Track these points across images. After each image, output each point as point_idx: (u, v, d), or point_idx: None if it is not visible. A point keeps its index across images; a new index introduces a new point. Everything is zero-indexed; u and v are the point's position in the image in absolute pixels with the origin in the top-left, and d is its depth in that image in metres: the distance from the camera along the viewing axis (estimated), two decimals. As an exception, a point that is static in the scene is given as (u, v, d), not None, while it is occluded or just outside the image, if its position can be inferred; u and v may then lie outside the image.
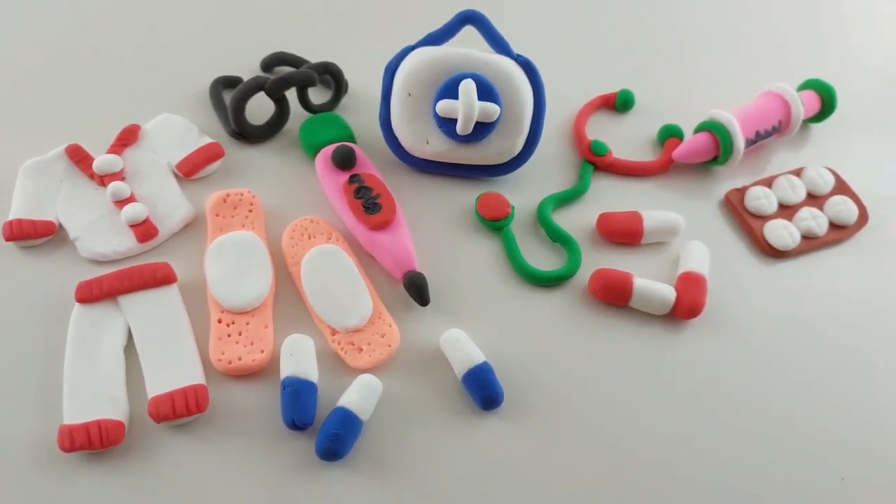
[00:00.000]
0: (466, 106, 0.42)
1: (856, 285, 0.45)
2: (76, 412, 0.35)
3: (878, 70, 0.60)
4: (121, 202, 0.43)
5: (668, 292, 0.42)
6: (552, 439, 0.37)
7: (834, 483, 0.37)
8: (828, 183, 0.49)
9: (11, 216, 0.42)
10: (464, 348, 0.39)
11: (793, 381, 0.41)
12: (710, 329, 0.42)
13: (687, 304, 0.41)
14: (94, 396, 0.36)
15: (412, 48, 0.45)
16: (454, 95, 0.43)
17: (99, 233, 0.42)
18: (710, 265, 0.44)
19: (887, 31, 0.64)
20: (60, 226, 0.43)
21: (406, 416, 0.38)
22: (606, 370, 0.40)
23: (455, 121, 0.44)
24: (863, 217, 0.48)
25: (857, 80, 0.57)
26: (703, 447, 0.38)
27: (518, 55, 0.45)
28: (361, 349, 0.39)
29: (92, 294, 0.39)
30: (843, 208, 0.48)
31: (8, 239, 0.42)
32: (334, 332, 0.40)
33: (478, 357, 0.38)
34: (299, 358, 0.37)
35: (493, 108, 0.43)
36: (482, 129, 0.44)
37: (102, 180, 0.44)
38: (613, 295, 0.42)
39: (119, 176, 0.45)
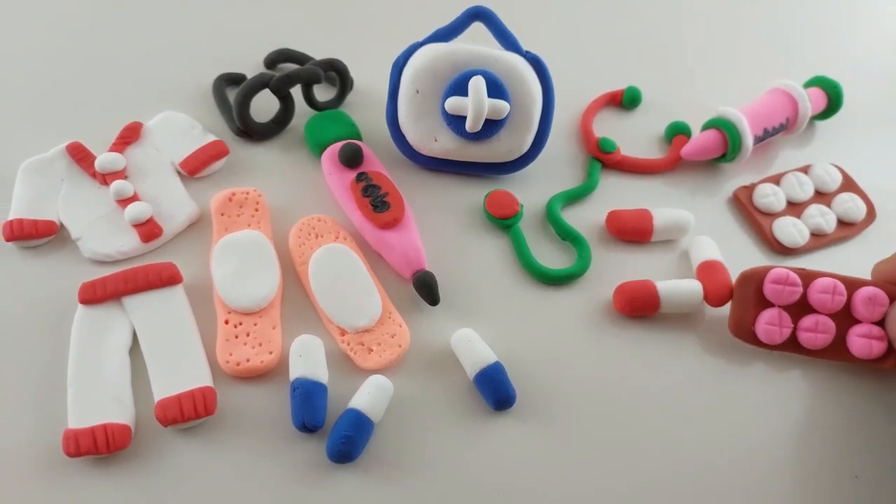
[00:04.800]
0: (476, 103, 0.42)
1: (865, 282, 0.45)
2: (81, 416, 0.35)
3: (884, 67, 0.60)
4: (124, 201, 0.42)
5: (695, 286, 0.41)
6: (566, 440, 0.37)
7: None
8: (835, 180, 0.49)
9: (11, 216, 0.42)
10: (475, 348, 0.38)
11: (799, 374, 0.40)
12: (721, 326, 0.42)
13: (716, 291, 0.40)
14: (100, 400, 0.35)
15: (420, 44, 0.45)
16: (463, 92, 0.43)
17: (102, 233, 0.42)
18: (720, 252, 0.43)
19: (893, 27, 0.64)
20: (62, 225, 0.42)
21: (417, 418, 0.37)
22: (620, 369, 0.40)
23: (464, 118, 0.43)
24: (871, 214, 0.48)
25: (862, 77, 0.57)
26: (722, 447, 0.37)
27: (527, 52, 0.45)
28: (371, 350, 0.39)
29: (96, 295, 0.38)
30: (851, 205, 0.48)
31: (8, 239, 0.41)
32: (343, 333, 0.39)
33: (490, 357, 0.38)
34: (309, 359, 0.37)
35: (503, 106, 0.43)
36: (491, 127, 0.44)
37: (104, 179, 0.43)
38: (642, 307, 0.40)
39: (121, 174, 0.44)
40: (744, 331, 0.39)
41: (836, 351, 0.39)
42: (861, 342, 0.38)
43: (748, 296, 0.39)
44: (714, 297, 0.41)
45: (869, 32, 0.63)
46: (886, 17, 0.65)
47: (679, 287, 0.41)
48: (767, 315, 0.39)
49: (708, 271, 0.42)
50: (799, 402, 0.39)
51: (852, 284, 0.39)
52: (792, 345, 0.39)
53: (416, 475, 0.35)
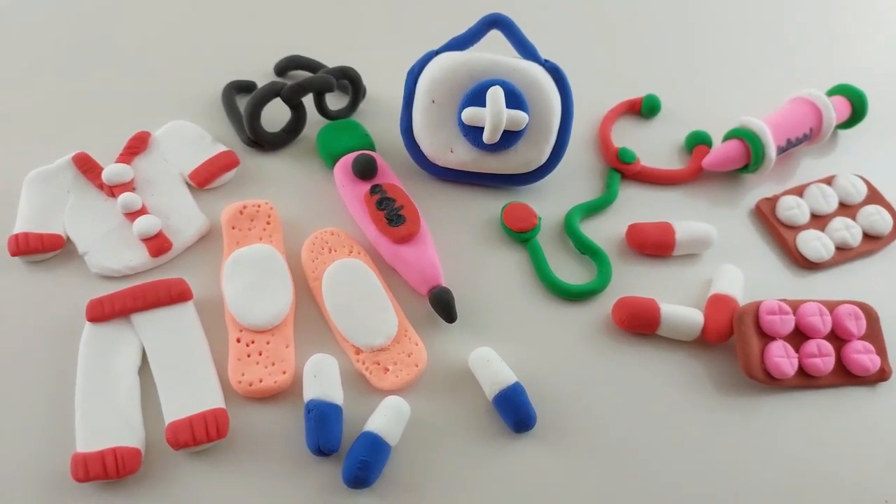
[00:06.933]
0: (495, 115, 0.41)
1: (892, 296, 0.44)
2: (90, 439, 0.34)
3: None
4: (132, 214, 0.41)
5: (696, 318, 0.40)
6: (587, 463, 0.36)
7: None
8: (860, 192, 0.48)
9: (17, 229, 0.41)
10: (494, 368, 0.37)
11: (827, 395, 0.39)
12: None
13: (716, 329, 0.39)
14: (109, 422, 0.34)
15: (436, 53, 0.44)
16: (480, 103, 0.41)
17: (109, 247, 0.41)
18: (743, 285, 0.42)
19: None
20: (68, 239, 0.41)
21: (435, 440, 0.36)
22: (641, 388, 0.39)
23: (481, 129, 0.42)
24: (897, 227, 0.47)
25: (887, 85, 0.56)
26: (740, 466, 0.36)
27: (546, 60, 0.44)
28: (387, 369, 0.37)
29: (104, 312, 0.37)
30: (877, 218, 0.46)
31: (14, 254, 0.40)
32: (358, 352, 0.38)
33: (509, 378, 0.37)
34: (323, 379, 0.36)
35: (521, 117, 0.41)
36: (509, 138, 0.42)
37: (112, 191, 0.42)
38: (640, 325, 0.40)
39: (129, 186, 0.43)
40: (756, 369, 0.38)
41: (839, 374, 0.40)
42: (859, 359, 0.39)
43: (748, 332, 0.39)
44: (713, 332, 0.39)
45: (892, 40, 0.62)
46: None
47: (681, 315, 0.40)
48: (774, 348, 0.39)
49: (717, 305, 0.40)
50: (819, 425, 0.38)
51: (829, 305, 0.41)
52: (801, 376, 0.39)
53: (434, 500, 0.34)
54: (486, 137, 0.42)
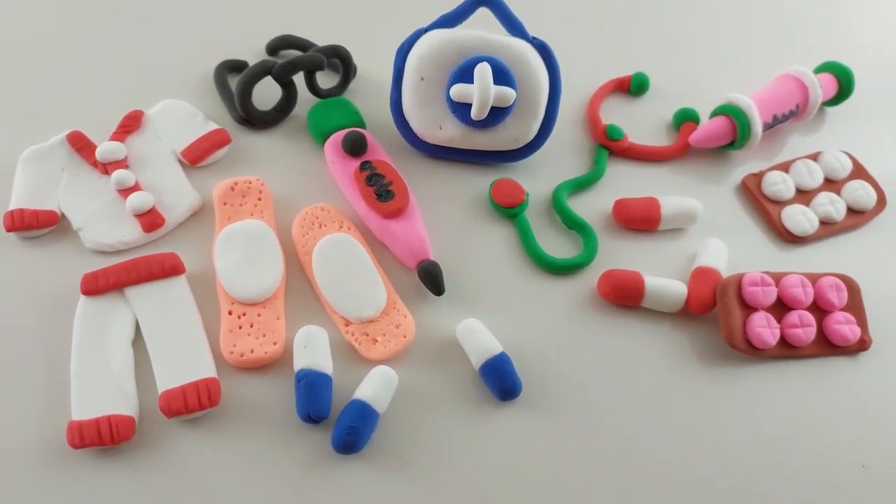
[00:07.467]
0: (482, 90, 0.41)
1: (874, 270, 0.44)
2: (85, 408, 0.35)
3: None
4: (125, 191, 0.42)
5: (680, 289, 0.41)
6: (571, 430, 0.37)
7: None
8: (845, 167, 0.48)
9: (12, 206, 0.41)
10: (481, 339, 0.38)
11: (808, 365, 0.40)
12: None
13: (699, 301, 0.40)
14: (103, 391, 0.35)
15: (425, 30, 0.44)
16: (468, 79, 0.42)
17: (103, 223, 0.41)
18: (727, 259, 0.43)
19: (903, 12, 0.63)
20: (63, 216, 0.42)
21: (422, 408, 0.37)
22: (624, 359, 0.39)
23: (469, 106, 0.42)
24: (881, 201, 0.47)
25: (874, 63, 0.56)
26: (722, 434, 0.37)
27: (533, 38, 0.44)
28: (376, 340, 0.38)
29: (98, 286, 0.38)
30: (861, 193, 0.47)
31: (9, 229, 0.40)
32: (348, 324, 0.39)
33: (495, 347, 0.38)
34: (313, 350, 0.36)
35: (509, 93, 0.42)
36: (497, 114, 0.43)
37: (106, 168, 0.43)
38: (625, 296, 0.40)
39: (123, 164, 0.43)
40: (738, 339, 0.39)
41: (820, 345, 0.40)
42: (840, 329, 0.40)
43: (731, 303, 0.40)
44: (696, 304, 0.40)
45: (881, 17, 0.62)
46: (898, 1, 0.64)
47: (664, 287, 0.40)
48: (756, 319, 0.39)
49: (701, 278, 0.41)
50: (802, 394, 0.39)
51: (811, 277, 0.41)
52: (782, 347, 0.40)
53: (421, 466, 0.35)
54: (475, 113, 0.42)
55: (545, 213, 0.45)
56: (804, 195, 0.47)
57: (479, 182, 0.46)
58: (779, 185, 0.47)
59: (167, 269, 0.39)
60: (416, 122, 0.45)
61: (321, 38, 0.51)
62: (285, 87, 0.47)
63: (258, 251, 0.40)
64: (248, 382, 0.37)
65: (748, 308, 0.40)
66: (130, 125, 0.45)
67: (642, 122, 0.51)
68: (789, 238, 0.45)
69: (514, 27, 0.44)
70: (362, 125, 0.46)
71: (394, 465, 0.35)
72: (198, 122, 0.46)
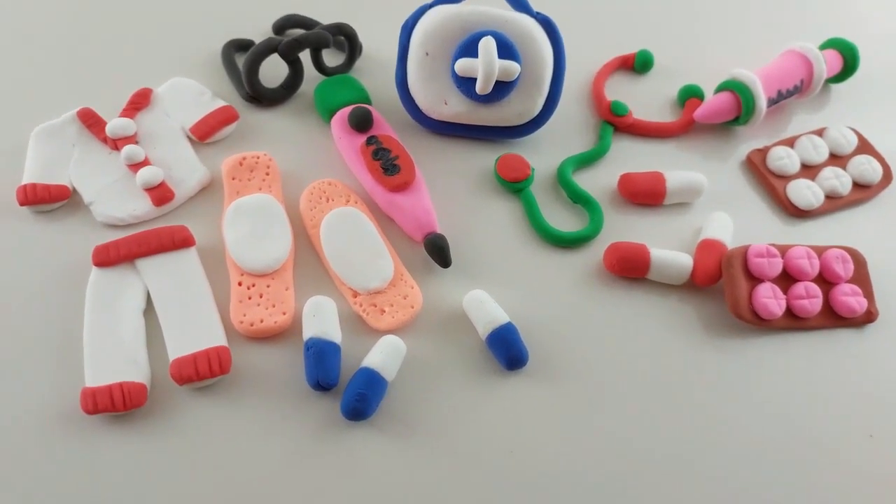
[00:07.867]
0: (486, 64, 0.41)
1: (881, 244, 0.44)
2: (98, 375, 0.35)
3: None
4: (135, 165, 0.43)
5: (686, 261, 0.41)
6: (577, 400, 0.37)
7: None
8: (850, 143, 0.48)
9: (25, 180, 0.42)
10: (488, 309, 0.38)
11: (814, 336, 0.40)
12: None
13: (705, 272, 0.40)
14: (116, 360, 0.36)
15: (429, 6, 0.44)
16: (473, 54, 0.42)
17: (114, 197, 0.42)
18: (733, 232, 0.43)
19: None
20: (74, 190, 0.42)
21: (430, 377, 0.37)
22: (630, 330, 0.40)
23: (474, 80, 0.43)
24: (887, 176, 0.47)
25: (879, 39, 0.56)
26: (729, 405, 0.37)
27: (538, 13, 0.44)
28: (384, 310, 0.39)
29: (109, 257, 0.38)
30: (867, 167, 0.47)
31: (22, 203, 0.41)
32: (356, 294, 0.39)
33: (502, 317, 0.38)
34: (322, 319, 0.37)
35: (513, 67, 0.42)
36: (502, 89, 0.43)
37: (116, 144, 0.43)
38: (630, 268, 0.41)
39: (132, 140, 0.44)
40: (744, 309, 0.39)
41: (826, 316, 0.40)
42: (847, 301, 0.40)
43: (737, 274, 0.40)
44: (701, 275, 0.40)
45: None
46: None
47: (670, 258, 0.41)
48: (762, 290, 0.39)
49: (707, 250, 0.41)
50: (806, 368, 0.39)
51: (817, 250, 0.41)
52: (789, 318, 0.40)
53: (429, 433, 0.36)
54: (479, 87, 0.42)
55: (550, 188, 0.46)
56: (809, 170, 0.47)
57: (485, 157, 0.46)
58: (784, 159, 0.47)
59: (177, 241, 0.39)
60: (422, 98, 0.45)
61: (328, 18, 0.51)
62: (291, 64, 0.47)
63: (267, 224, 0.40)
64: (258, 352, 0.37)
65: (754, 279, 0.40)
66: (140, 102, 0.45)
67: (647, 99, 0.51)
68: (795, 212, 0.45)
69: (519, 2, 0.44)
70: (368, 101, 0.47)
71: (402, 432, 0.35)
72: (205, 99, 0.46)
